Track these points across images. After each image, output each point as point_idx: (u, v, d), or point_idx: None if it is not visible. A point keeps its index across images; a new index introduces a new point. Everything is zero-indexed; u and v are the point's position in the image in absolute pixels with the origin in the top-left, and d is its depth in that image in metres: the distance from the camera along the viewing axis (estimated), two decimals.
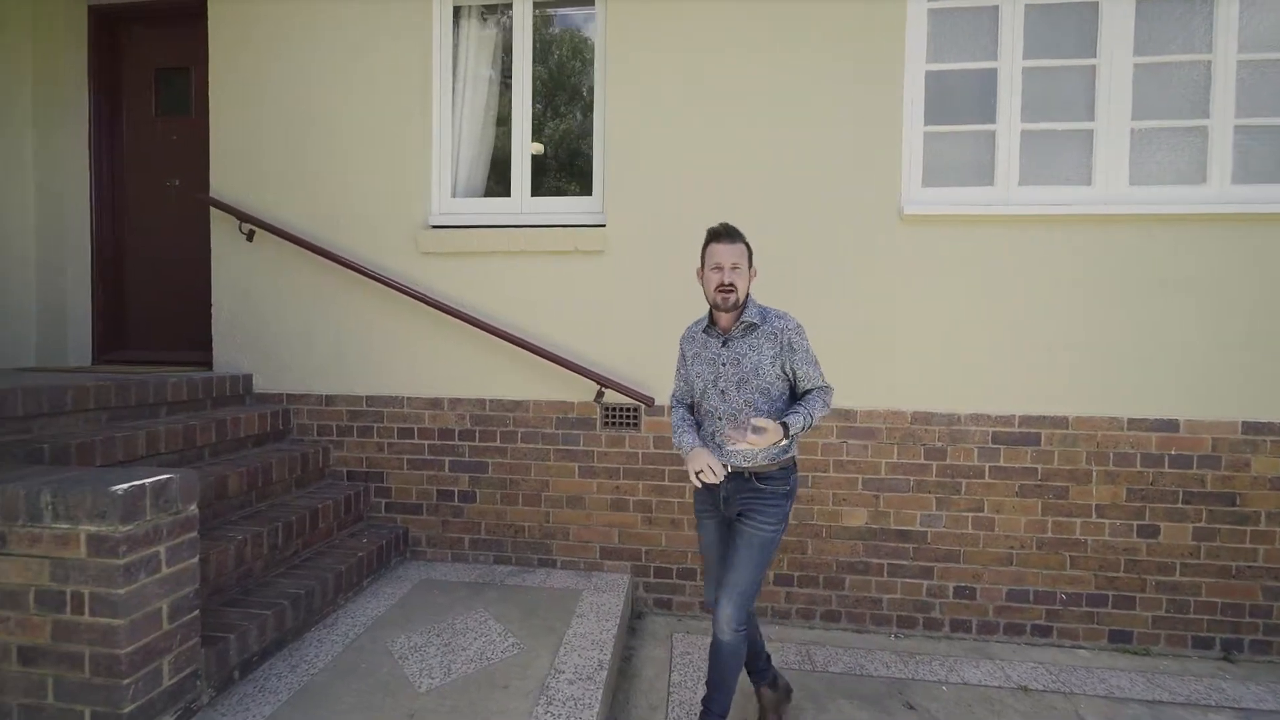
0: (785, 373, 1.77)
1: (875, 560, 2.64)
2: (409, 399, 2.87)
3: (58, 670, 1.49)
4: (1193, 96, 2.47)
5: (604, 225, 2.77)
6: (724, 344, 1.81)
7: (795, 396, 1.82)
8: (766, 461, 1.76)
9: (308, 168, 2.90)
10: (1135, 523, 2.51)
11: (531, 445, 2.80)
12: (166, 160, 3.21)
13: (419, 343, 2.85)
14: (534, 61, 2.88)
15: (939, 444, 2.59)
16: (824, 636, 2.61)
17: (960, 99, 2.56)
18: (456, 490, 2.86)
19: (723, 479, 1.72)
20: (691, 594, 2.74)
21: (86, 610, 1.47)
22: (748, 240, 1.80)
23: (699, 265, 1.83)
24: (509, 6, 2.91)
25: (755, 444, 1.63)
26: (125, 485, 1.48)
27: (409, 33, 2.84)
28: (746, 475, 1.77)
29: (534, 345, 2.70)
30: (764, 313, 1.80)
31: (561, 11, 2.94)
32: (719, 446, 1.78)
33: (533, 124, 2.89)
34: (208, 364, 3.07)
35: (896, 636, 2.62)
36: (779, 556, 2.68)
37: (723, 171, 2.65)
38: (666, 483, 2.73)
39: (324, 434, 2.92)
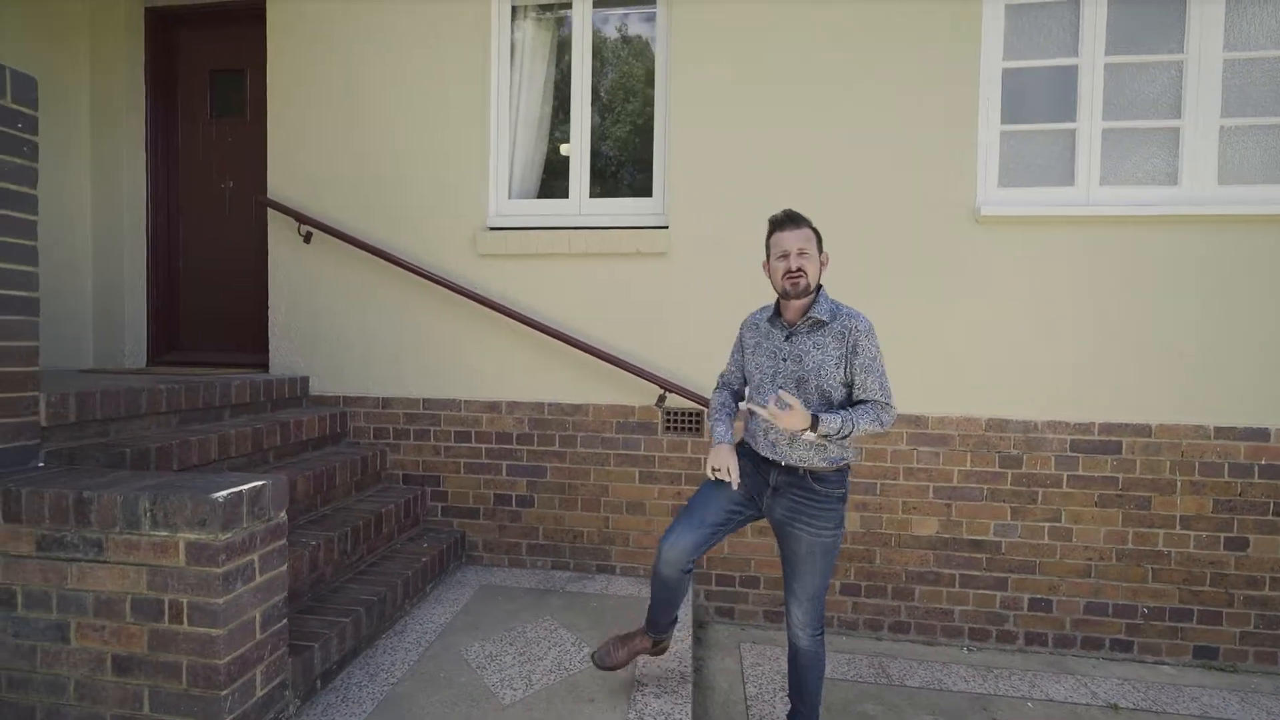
0: (848, 377, 1.64)
1: (946, 570, 2.57)
2: (466, 402, 2.84)
3: (154, 681, 1.46)
4: None
5: (666, 227, 2.72)
6: (787, 338, 1.68)
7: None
8: (824, 464, 1.64)
9: (365, 169, 2.88)
10: (1222, 535, 2.42)
11: (591, 450, 2.76)
12: (221, 162, 3.21)
13: (476, 345, 2.82)
14: (593, 61, 2.84)
15: (1014, 452, 2.51)
16: (894, 648, 2.55)
17: (1038, 97, 2.49)
18: (514, 495, 2.82)
19: (737, 486, 1.66)
20: (755, 602, 2.69)
21: (185, 620, 1.44)
22: (814, 225, 1.68)
23: (764, 258, 1.73)
24: (567, 5, 2.87)
25: (774, 417, 1.53)
26: (224, 493, 1.45)
27: (467, 33, 2.81)
28: (801, 472, 1.66)
29: (594, 348, 2.66)
30: (835, 309, 1.67)
31: (620, 11, 2.90)
32: (772, 445, 1.68)
33: (591, 124, 2.86)
34: (260, 366, 3.06)
35: (969, 649, 2.55)
36: (845, 565, 2.62)
37: (790, 173, 2.60)
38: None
39: (380, 437, 2.90)
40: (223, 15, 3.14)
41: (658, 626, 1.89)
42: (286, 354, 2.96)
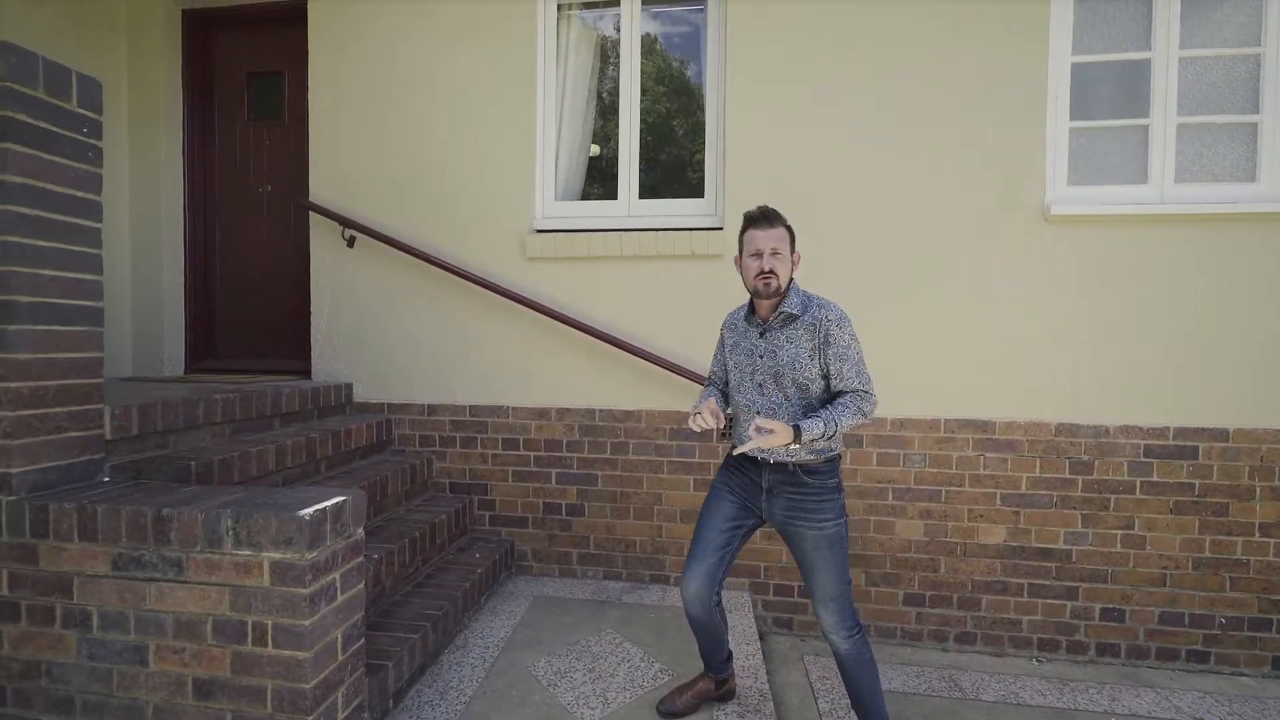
0: (824, 368, 1.63)
1: (1014, 580, 2.50)
2: (514, 409, 2.78)
3: (237, 705, 1.41)
4: None
5: (721, 229, 2.66)
6: (761, 334, 1.69)
7: (831, 398, 1.65)
8: (812, 456, 1.62)
9: (409, 171, 2.83)
10: None
11: (643, 457, 2.70)
12: (259, 165, 3.16)
13: (525, 351, 2.76)
14: (641, 60, 2.78)
15: (1085, 457, 2.44)
16: (961, 660, 2.48)
17: (1109, 93, 2.42)
18: (564, 503, 2.76)
19: (716, 430, 1.61)
20: (813, 612, 2.61)
21: (270, 642, 1.38)
22: (789, 224, 1.69)
23: (737, 253, 1.73)
24: (615, 3, 2.81)
25: (761, 445, 1.52)
26: (310, 510, 1.39)
27: (513, 33, 2.75)
28: (791, 468, 1.64)
29: (648, 353, 2.60)
30: (806, 302, 1.67)
31: (670, 9, 2.83)
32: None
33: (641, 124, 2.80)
34: (300, 373, 3.01)
35: (1039, 661, 2.48)
36: (909, 575, 2.55)
37: (850, 173, 2.53)
38: None
39: (426, 445, 2.84)
40: (261, 17, 3.10)
41: (713, 665, 1.85)
42: (329, 360, 2.91)
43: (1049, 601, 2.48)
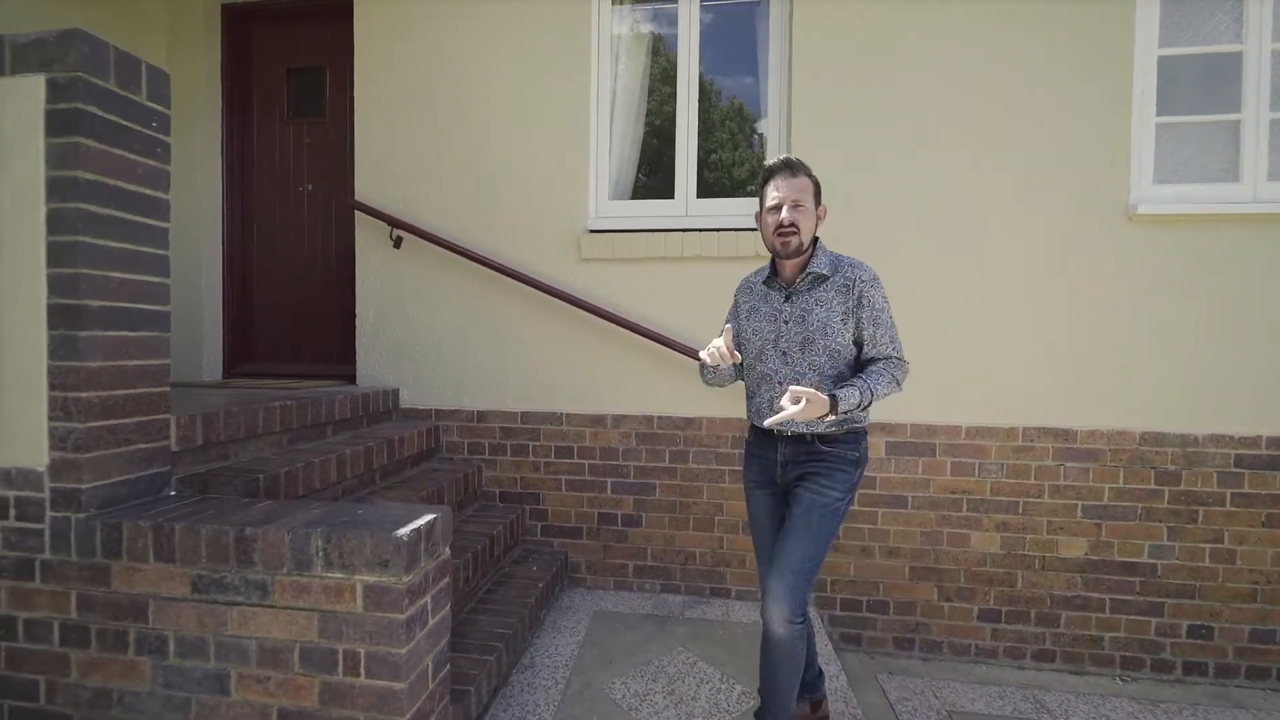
0: (857, 333, 1.53)
1: (1096, 595, 2.40)
2: (568, 415, 2.68)
3: None
4: None
5: None
6: (787, 298, 1.56)
7: (860, 366, 1.54)
8: (833, 428, 1.51)
9: (459, 170, 2.74)
10: None
11: (704, 465, 2.60)
12: (298, 164, 3.07)
13: (579, 355, 2.66)
14: (700, 54, 2.69)
15: (1172, 468, 2.34)
16: (1040, 679, 2.37)
17: (1195, 87, 2.32)
18: (620, 514, 2.67)
19: (725, 358, 1.46)
20: (883, 628, 2.52)
21: (363, 671, 1.29)
22: (814, 175, 1.55)
23: (758, 209, 1.61)
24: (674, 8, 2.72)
25: (794, 418, 1.38)
26: (407, 530, 1.30)
27: (567, 27, 2.66)
28: (809, 438, 1.53)
29: None
30: (836, 261, 1.55)
31: (726, 2, 2.74)
32: (775, 414, 1.52)
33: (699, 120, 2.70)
34: (341, 377, 2.92)
35: (1122, 679, 2.37)
36: (983, 590, 2.45)
37: (923, 172, 2.44)
38: (856, 506, 2.51)
39: (475, 452, 2.75)
40: (301, 11, 3.01)
41: (805, 685, 1.73)
42: (375, 365, 2.81)
43: (1132, 618, 2.38)
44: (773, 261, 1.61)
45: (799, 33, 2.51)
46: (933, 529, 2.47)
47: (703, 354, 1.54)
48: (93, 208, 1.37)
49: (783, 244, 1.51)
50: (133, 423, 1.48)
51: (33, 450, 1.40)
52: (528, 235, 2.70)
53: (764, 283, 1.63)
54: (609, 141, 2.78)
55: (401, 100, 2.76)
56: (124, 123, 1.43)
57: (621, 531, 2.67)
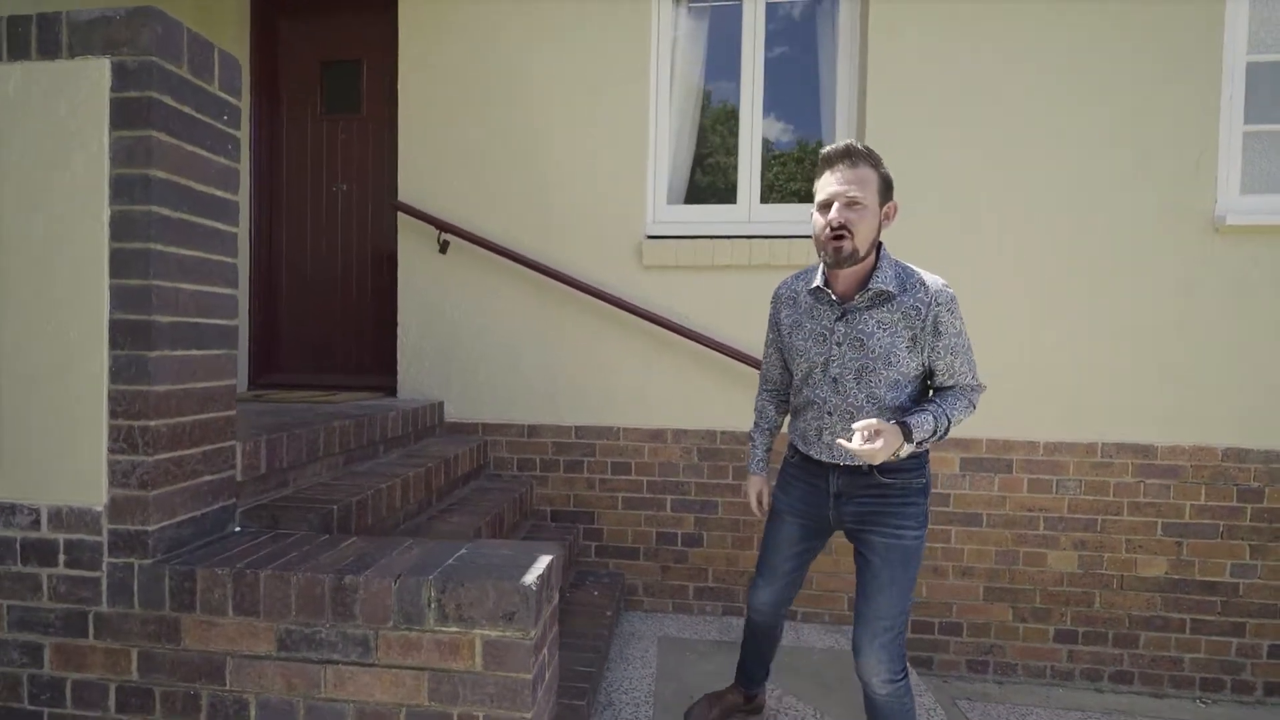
0: (926, 362, 1.33)
1: (1175, 615, 2.33)
2: (625, 430, 2.55)
3: None
4: None
5: None
6: (841, 316, 1.33)
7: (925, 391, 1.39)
8: (892, 456, 1.30)
9: (511, 172, 2.58)
10: None
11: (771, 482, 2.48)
12: (332, 163, 2.89)
13: (639, 366, 2.53)
14: (765, 53, 2.57)
15: (1255, 484, 2.28)
16: (1120, 702, 2.30)
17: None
18: (680, 533, 2.54)
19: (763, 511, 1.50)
20: (957, 651, 2.43)
21: None
22: (883, 167, 1.29)
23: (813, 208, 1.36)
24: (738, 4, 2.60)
25: (865, 456, 1.21)
26: (533, 577, 1.16)
27: (625, 25, 2.52)
28: (865, 468, 1.34)
29: None
30: (904, 276, 1.30)
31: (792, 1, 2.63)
32: (828, 446, 1.37)
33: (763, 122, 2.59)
34: (378, 388, 2.76)
35: (1203, 702, 2.31)
36: (1060, 610, 2.37)
37: (999, 176, 2.35)
38: (929, 525, 2.41)
39: (525, 469, 2.60)
40: (338, 3, 2.83)
41: (751, 680, 1.75)
42: (418, 376, 2.65)
43: (1213, 639, 2.32)
44: (823, 267, 1.36)
45: (873, 43, 2.40)
46: (1009, 548, 2.39)
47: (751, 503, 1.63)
48: (164, 211, 1.21)
49: (833, 250, 1.26)
50: (199, 453, 1.32)
51: (88, 487, 1.23)
52: (584, 240, 2.56)
53: (810, 293, 1.38)
54: (668, 143, 2.65)
55: (449, 97, 2.60)
56: (197, 115, 1.27)
57: (681, 552, 2.54)
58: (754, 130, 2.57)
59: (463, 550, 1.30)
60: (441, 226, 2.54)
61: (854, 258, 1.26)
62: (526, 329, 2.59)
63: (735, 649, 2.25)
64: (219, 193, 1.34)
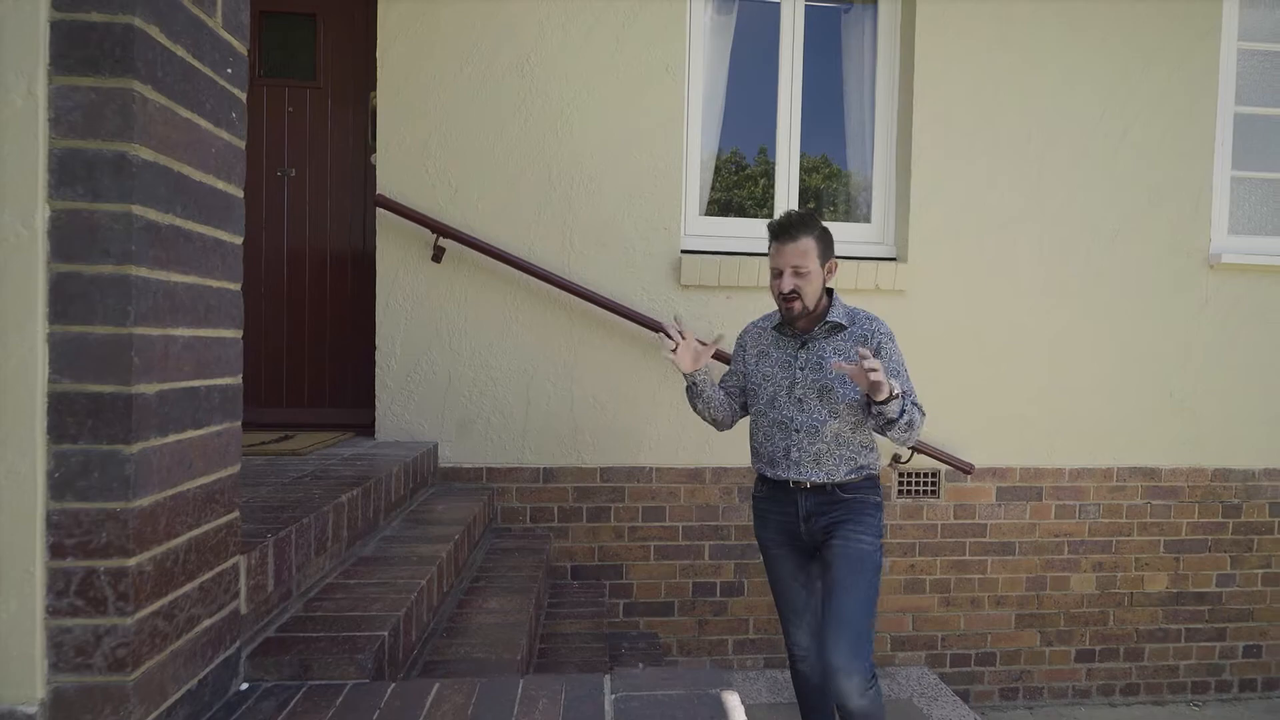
0: None
1: (1173, 626, 2.49)
2: (659, 470, 2.25)
3: None
4: None
5: (895, 259, 2.37)
6: (803, 345, 1.58)
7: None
8: (853, 475, 1.54)
9: (522, 169, 2.18)
10: None
11: None
12: (275, 141, 2.28)
13: (673, 399, 2.24)
14: (804, 62, 2.39)
15: (1235, 501, 2.50)
16: (1130, 714, 2.42)
17: (1260, 144, 2.49)
18: (719, 582, 2.29)
19: (678, 345, 1.53)
20: (991, 680, 2.42)
21: None
22: (819, 230, 1.53)
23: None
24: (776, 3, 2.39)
25: (871, 374, 1.32)
26: None
27: (660, 15, 2.22)
28: (828, 487, 1.54)
29: None
30: (852, 313, 1.60)
31: (836, 5, 2.47)
32: (795, 464, 1.53)
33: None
34: (341, 426, 2.23)
35: (1195, 705, 2.49)
36: (1080, 631, 2.45)
37: (1026, 214, 2.36)
38: (967, 556, 2.38)
39: (540, 519, 2.21)
40: None
41: None
42: (402, 413, 2.15)
43: (1202, 644, 2.51)
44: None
45: (922, 36, 2.31)
46: (1037, 574, 2.42)
47: (668, 327, 1.56)
48: (151, 214, 0.74)
49: (787, 309, 1.53)
50: (195, 589, 0.85)
51: (8, 675, 0.73)
52: (610, 254, 2.22)
53: (774, 329, 1.63)
54: (699, 149, 2.38)
55: (446, 76, 2.13)
56: (193, 63, 0.81)
57: (720, 603, 2.30)
58: (792, 140, 2.39)
59: (612, 696, 0.95)
60: (439, 230, 2.07)
61: (806, 313, 1.54)
62: (540, 355, 2.20)
63: (795, 711, 2.05)
64: (219, 184, 0.88)
